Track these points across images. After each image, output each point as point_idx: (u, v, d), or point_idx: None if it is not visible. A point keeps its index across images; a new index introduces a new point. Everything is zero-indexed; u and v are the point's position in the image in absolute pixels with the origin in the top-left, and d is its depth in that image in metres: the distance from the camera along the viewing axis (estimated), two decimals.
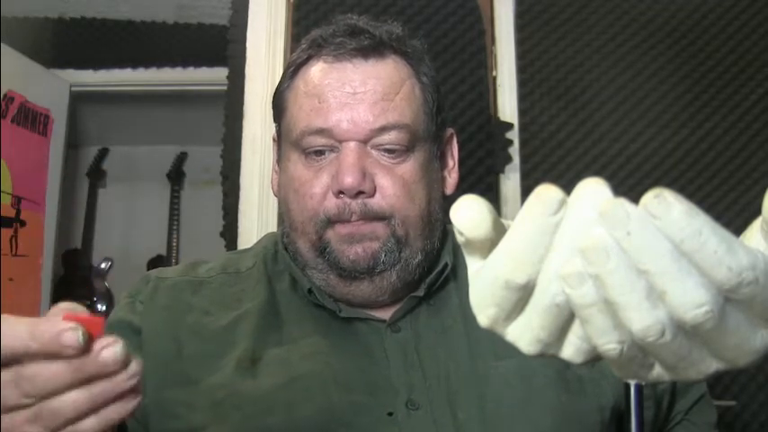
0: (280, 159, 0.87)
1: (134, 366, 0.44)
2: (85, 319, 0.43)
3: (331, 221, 0.78)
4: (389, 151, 0.79)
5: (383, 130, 0.78)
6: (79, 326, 0.42)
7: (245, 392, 0.75)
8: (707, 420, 0.86)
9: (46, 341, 0.42)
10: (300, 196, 0.80)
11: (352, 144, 0.78)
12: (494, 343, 0.73)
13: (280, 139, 0.87)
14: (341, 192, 0.77)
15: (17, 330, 0.42)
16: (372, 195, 0.78)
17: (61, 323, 0.42)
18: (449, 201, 0.80)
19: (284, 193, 0.84)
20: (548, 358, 0.37)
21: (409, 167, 0.80)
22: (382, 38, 0.82)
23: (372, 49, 0.81)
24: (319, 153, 0.80)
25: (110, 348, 0.43)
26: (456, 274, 0.85)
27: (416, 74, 0.84)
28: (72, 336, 0.42)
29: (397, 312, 0.81)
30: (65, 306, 0.45)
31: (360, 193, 0.77)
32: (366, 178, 0.77)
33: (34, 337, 0.42)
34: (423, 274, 0.83)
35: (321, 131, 0.79)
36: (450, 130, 0.90)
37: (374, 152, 0.79)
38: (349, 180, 0.76)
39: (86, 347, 0.42)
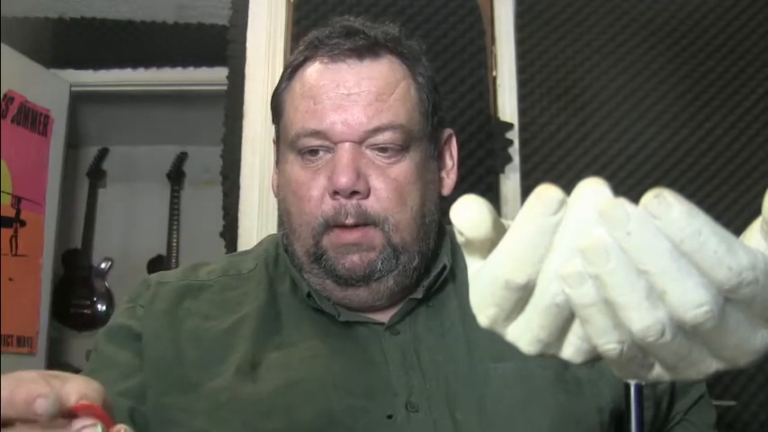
0: (279, 161, 0.87)
1: None
2: (99, 413, 0.44)
3: (329, 225, 0.78)
4: (383, 150, 0.79)
5: (377, 130, 0.78)
6: (52, 393, 0.42)
7: (245, 397, 0.75)
8: (706, 421, 0.86)
9: (20, 409, 0.42)
10: (299, 199, 0.80)
11: (346, 145, 0.78)
12: (492, 345, 0.73)
13: (278, 141, 0.88)
14: (336, 192, 0.77)
15: (3, 392, 0.42)
16: (367, 197, 0.78)
17: (35, 389, 0.42)
18: (448, 201, 0.80)
19: (284, 194, 0.84)
20: (547, 359, 0.37)
21: (404, 168, 0.80)
22: (377, 38, 0.82)
23: (367, 49, 0.81)
24: (314, 153, 0.80)
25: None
26: (454, 275, 0.85)
27: (412, 74, 0.84)
28: (42, 403, 0.42)
29: (395, 315, 0.81)
30: (82, 391, 0.44)
31: (354, 193, 0.77)
32: (360, 178, 0.77)
33: (11, 404, 0.42)
34: (420, 275, 0.83)
35: (316, 133, 0.79)
36: (448, 131, 0.90)
37: (369, 152, 0.79)
38: (343, 180, 0.76)
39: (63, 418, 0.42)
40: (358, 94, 0.79)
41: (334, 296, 0.81)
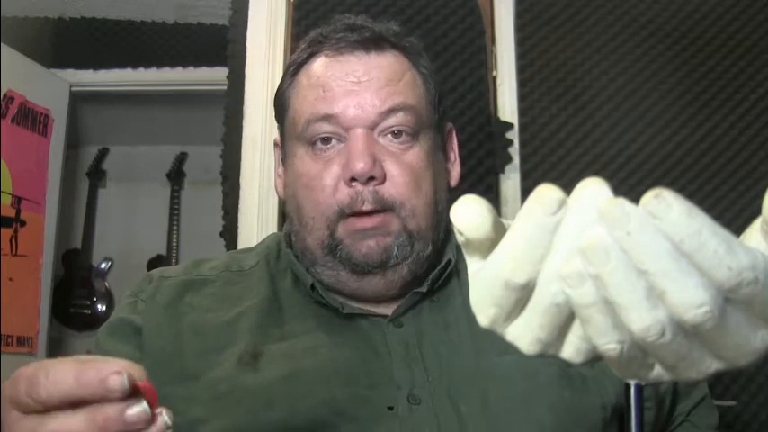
0: (284, 159, 0.87)
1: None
2: (146, 387, 0.45)
3: (344, 213, 0.78)
4: (397, 134, 0.79)
5: (391, 111, 0.79)
6: (124, 371, 0.43)
7: (247, 386, 0.75)
8: (708, 422, 0.86)
9: (93, 388, 0.43)
10: (311, 190, 0.80)
11: (359, 131, 0.78)
12: (497, 339, 0.73)
13: (283, 139, 0.88)
14: (352, 179, 0.77)
15: (64, 375, 0.43)
16: (383, 182, 0.78)
17: (106, 367, 0.43)
18: (452, 196, 0.81)
19: (292, 190, 0.84)
20: (549, 358, 0.37)
21: (416, 154, 0.80)
22: (381, 33, 0.83)
23: (373, 42, 0.82)
24: (325, 141, 0.79)
25: (136, 408, 0.44)
26: (459, 271, 0.85)
27: (415, 66, 0.85)
28: (117, 379, 0.43)
29: (399, 307, 0.81)
30: (125, 366, 0.45)
31: (371, 179, 0.77)
32: (376, 164, 0.77)
33: (80, 386, 0.43)
34: (430, 267, 0.83)
35: (327, 118, 0.79)
36: (449, 125, 0.91)
37: (381, 139, 0.80)
38: (360, 165, 0.76)
39: (132, 395, 0.44)
40: (368, 81, 0.79)
41: (348, 287, 0.81)
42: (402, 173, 0.79)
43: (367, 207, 0.78)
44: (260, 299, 0.82)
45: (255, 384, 0.75)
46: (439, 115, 0.86)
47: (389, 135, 0.79)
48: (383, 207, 0.78)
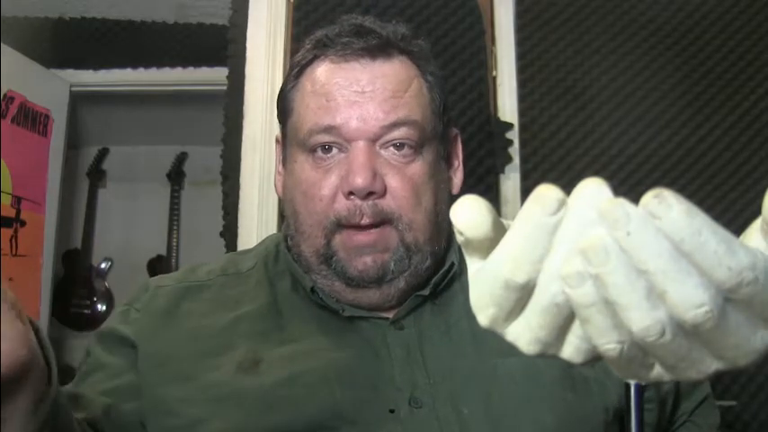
0: (285, 161, 0.86)
1: None
2: None
3: (341, 224, 0.77)
4: (399, 147, 0.78)
5: (394, 126, 0.77)
6: None
7: (247, 390, 0.74)
8: (710, 422, 0.86)
9: None
10: (309, 199, 0.79)
11: (361, 143, 0.77)
12: (499, 340, 0.73)
13: (285, 140, 0.87)
14: (351, 193, 0.76)
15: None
16: (383, 196, 0.77)
17: None
18: (453, 201, 0.80)
19: (291, 195, 0.83)
20: (549, 358, 0.37)
21: (418, 167, 0.79)
22: (389, 38, 0.81)
23: (379, 49, 0.80)
24: (326, 150, 0.78)
25: None
26: (462, 273, 0.85)
27: (423, 73, 0.83)
28: None
29: (400, 310, 0.81)
30: None
31: (370, 193, 0.76)
32: (377, 178, 0.76)
33: None
34: (431, 275, 0.82)
35: (329, 129, 0.78)
36: (454, 131, 0.90)
37: (383, 152, 0.78)
38: (360, 180, 0.75)
39: None
40: (372, 91, 0.78)
41: (343, 297, 0.80)
42: (403, 186, 0.78)
43: (365, 221, 0.77)
44: (259, 304, 0.82)
45: (256, 388, 0.74)
46: (444, 124, 0.84)
47: (392, 147, 0.78)
48: (381, 219, 0.77)
